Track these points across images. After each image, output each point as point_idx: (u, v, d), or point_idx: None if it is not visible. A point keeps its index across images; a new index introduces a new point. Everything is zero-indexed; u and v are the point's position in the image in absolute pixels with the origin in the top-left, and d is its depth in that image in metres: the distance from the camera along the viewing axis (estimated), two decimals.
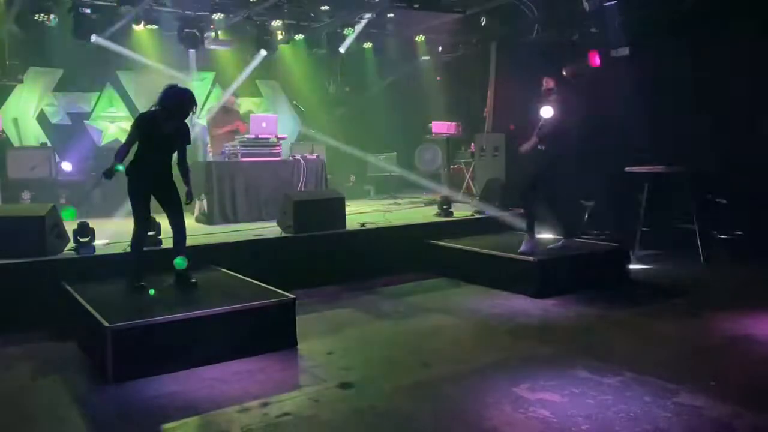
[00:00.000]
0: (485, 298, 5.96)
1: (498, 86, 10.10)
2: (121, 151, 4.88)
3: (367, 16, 10.08)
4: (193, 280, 5.17)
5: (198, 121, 11.68)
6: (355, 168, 11.97)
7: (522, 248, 6.28)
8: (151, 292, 4.90)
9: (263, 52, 10.46)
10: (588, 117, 6.38)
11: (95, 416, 3.62)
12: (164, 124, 4.95)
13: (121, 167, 4.79)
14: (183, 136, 5.14)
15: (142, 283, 4.99)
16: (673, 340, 4.65)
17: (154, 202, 5.20)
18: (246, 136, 8.45)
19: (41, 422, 3.55)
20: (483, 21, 10.15)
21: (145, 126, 4.97)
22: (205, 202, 8.18)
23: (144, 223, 5.19)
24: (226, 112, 9.36)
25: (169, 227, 5.23)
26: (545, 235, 6.93)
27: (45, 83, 10.32)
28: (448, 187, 10.01)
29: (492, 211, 8.20)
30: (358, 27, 10.54)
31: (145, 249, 5.72)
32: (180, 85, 5.11)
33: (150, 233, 5.98)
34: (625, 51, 8.88)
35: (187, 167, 5.26)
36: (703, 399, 3.52)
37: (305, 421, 3.45)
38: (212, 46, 10.77)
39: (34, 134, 10.25)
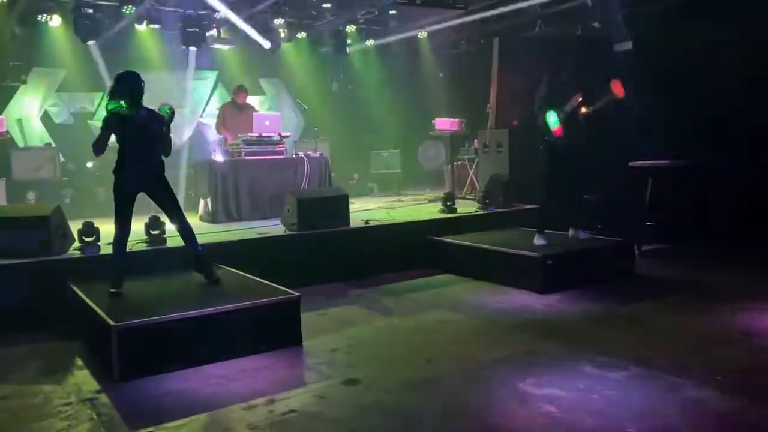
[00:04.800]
0: (490, 294, 5.96)
1: (501, 82, 10.07)
2: (97, 145, 4.78)
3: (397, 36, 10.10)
4: (216, 278, 5.18)
5: (201, 121, 11.73)
6: (358, 165, 11.98)
7: (537, 242, 6.39)
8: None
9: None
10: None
11: (101, 415, 3.63)
12: (134, 115, 4.84)
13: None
14: (157, 120, 4.95)
15: (118, 291, 4.84)
16: (679, 335, 4.64)
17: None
18: (249, 134, 8.45)
19: (48, 421, 3.56)
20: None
21: (114, 122, 4.82)
22: (209, 200, 8.19)
23: (126, 225, 4.95)
24: (240, 109, 9.16)
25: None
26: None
27: (48, 84, 10.35)
28: (451, 184, 10.00)
29: (495, 207, 8.18)
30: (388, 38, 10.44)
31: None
32: (124, 70, 4.99)
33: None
34: (628, 45, 8.86)
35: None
36: (710, 393, 3.51)
37: (311, 418, 3.45)
38: (215, 45, 10.78)
39: (38, 135, 10.29)
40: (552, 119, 6.24)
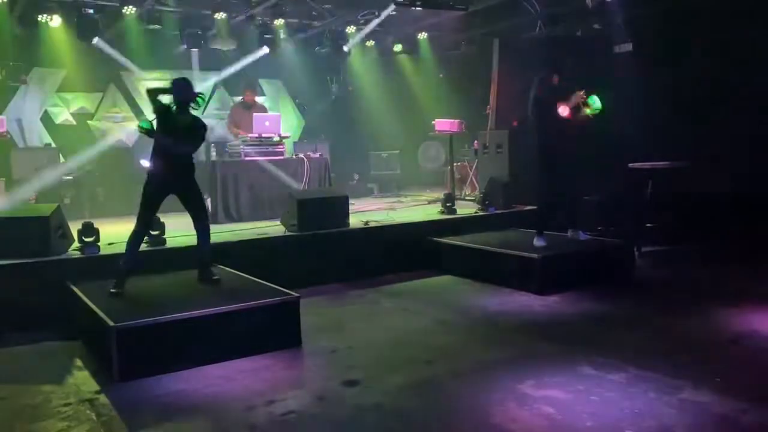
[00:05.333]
0: (489, 295, 5.96)
1: (501, 83, 10.08)
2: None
3: (377, 20, 10.12)
4: (216, 277, 5.22)
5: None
6: (358, 166, 11.98)
7: (537, 243, 6.37)
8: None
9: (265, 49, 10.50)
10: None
11: (101, 415, 3.63)
12: (178, 117, 5.01)
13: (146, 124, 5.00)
14: (196, 130, 5.09)
15: (119, 291, 4.85)
16: (678, 336, 4.64)
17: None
18: (249, 135, 8.46)
19: (47, 421, 3.56)
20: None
21: (161, 115, 5.00)
22: (209, 201, 8.19)
23: (145, 225, 5.13)
24: (248, 108, 9.19)
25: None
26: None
27: (49, 84, 10.35)
28: (451, 185, 10.00)
29: (495, 208, 8.18)
30: (369, 27, 10.55)
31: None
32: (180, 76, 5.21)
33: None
34: (628, 47, 8.88)
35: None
36: (708, 395, 3.51)
37: (310, 419, 3.46)
38: (215, 46, 10.77)
39: (38, 135, 10.28)
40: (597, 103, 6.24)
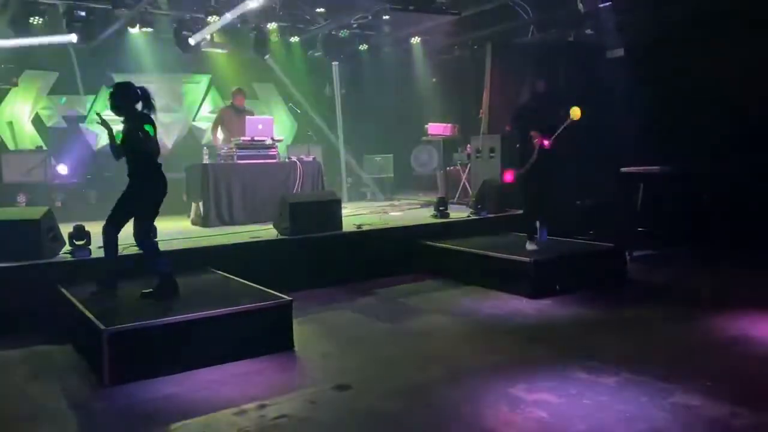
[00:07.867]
0: (481, 299, 5.96)
1: (493, 87, 10.12)
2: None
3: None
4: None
5: (194, 124, 11.72)
6: (351, 170, 11.98)
7: (529, 247, 6.40)
8: None
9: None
10: (583, 117, 6.41)
11: (92, 419, 3.61)
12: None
13: None
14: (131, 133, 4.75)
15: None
16: (669, 340, 4.66)
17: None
18: (242, 138, 8.44)
19: (38, 425, 3.53)
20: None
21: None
22: (201, 204, 8.17)
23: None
24: (239, 112, 9.06)
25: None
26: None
27: (40, 86, 10.31)
28: (444, 189, 10.03)
29: (488, 212, 8.20)
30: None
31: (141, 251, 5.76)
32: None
33: None
34: (620, 52, 8.93)
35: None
36: (700, 399, 3.52)
37: (302, 423, 3.44)
38: (208, 49, 10.77)
39: (29, 138, 10.24)
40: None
